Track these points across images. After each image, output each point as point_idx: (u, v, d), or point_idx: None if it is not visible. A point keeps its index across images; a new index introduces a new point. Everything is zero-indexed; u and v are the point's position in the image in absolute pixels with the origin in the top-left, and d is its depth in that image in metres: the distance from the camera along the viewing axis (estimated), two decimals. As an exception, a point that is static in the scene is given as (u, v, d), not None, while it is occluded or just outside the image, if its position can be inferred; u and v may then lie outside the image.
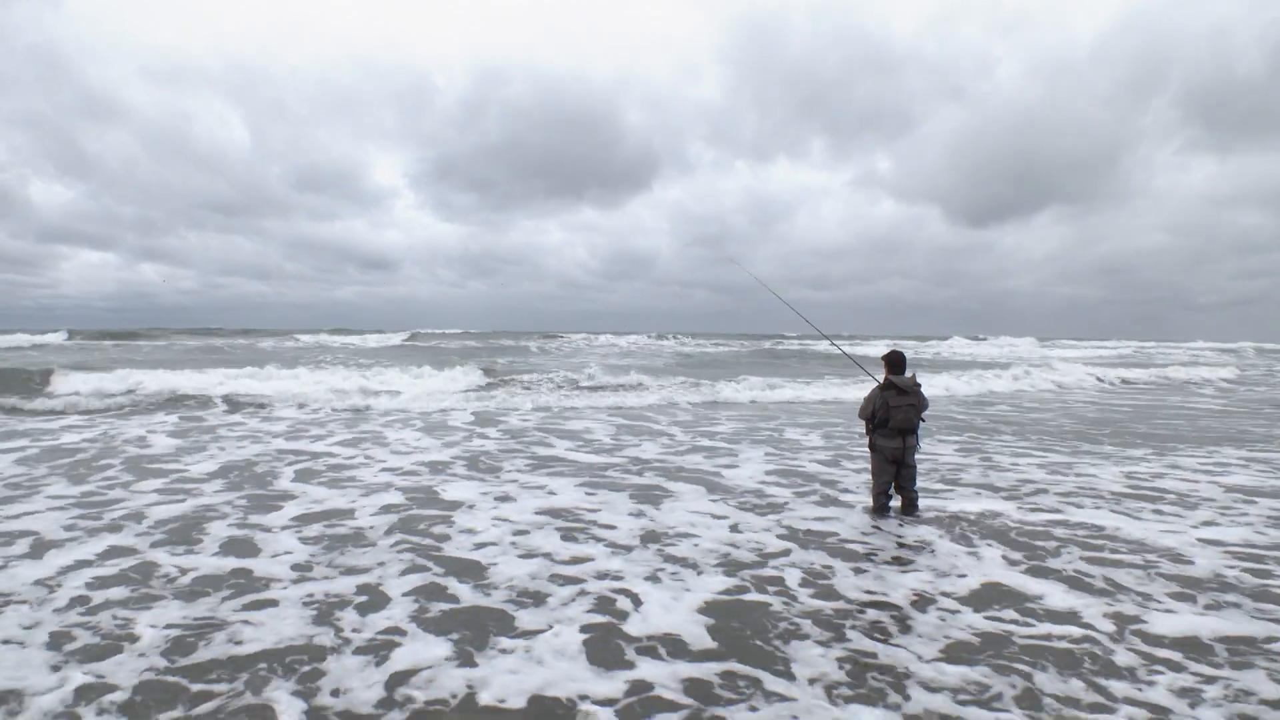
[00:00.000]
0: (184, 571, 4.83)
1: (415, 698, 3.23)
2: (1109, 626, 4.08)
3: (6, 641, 3.74)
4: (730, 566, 5.04)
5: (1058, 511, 6.65)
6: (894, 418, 6.20)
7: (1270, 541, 5.77)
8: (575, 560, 5.14)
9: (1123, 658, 3.71)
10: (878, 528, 6.04)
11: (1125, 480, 8.12)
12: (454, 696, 3.26)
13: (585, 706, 3.18)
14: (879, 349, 6.73)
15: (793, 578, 4.83)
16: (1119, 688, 3.41)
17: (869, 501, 6.69)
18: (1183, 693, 3.38)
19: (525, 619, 4.09)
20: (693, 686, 3.38)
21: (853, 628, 4.03)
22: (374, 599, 4.38)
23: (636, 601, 4.37)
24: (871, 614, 4.23)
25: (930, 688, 3.38)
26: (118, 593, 4.43)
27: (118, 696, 3.21)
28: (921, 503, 6.85)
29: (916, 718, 3.13)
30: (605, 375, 20.35)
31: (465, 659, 3.60)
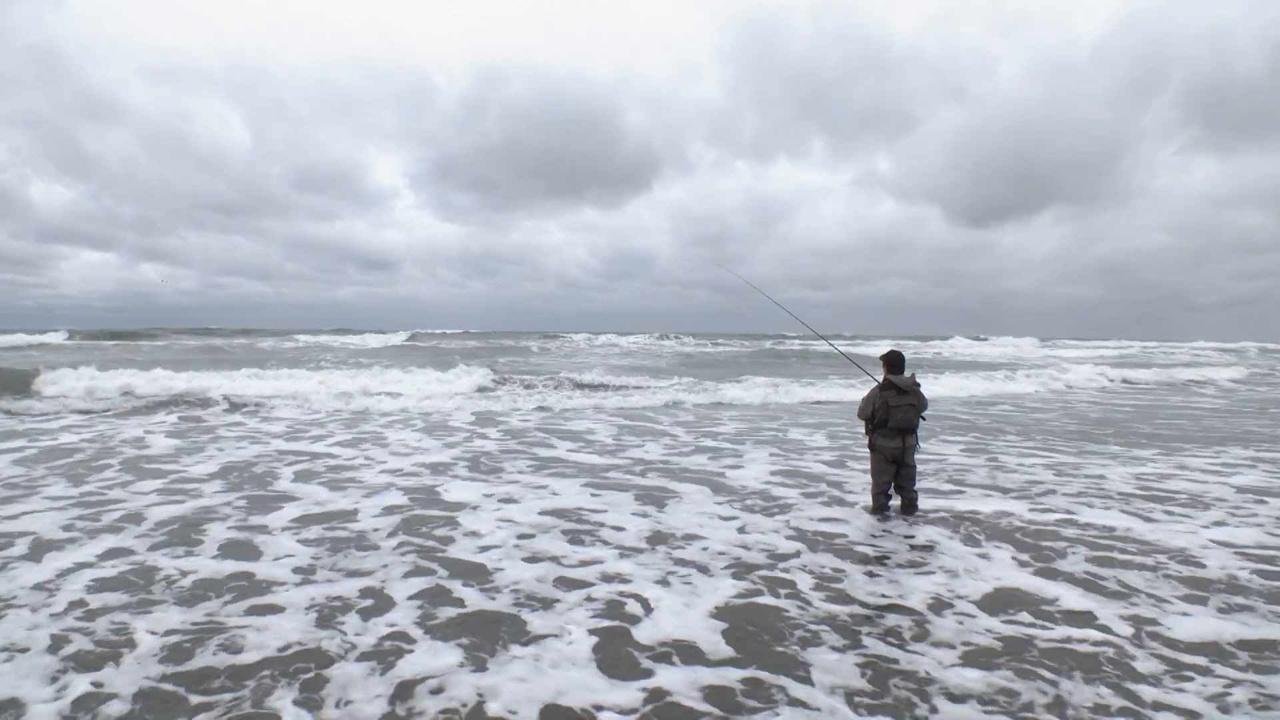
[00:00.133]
0: (184, 574, 4.73)
1: (423, 709, 3.13)
2: (1126, 630, 4.02)
3: (5, 648, 3.65)
4: (740, 569, 4.95)
5: (1068, 512, 6.58)
6: (893, 417, 6.17)
7: (1283, 543, 5.69)
8: (583, 563, 5.05)
9: (1146, 663, 3.64)
10: (887, 530, 5.96)
11: (1134, 481, 8.05)
12: (464, 706, 3.16)
13: (603, 717, 3.09)
14: (881, 349, 6.67)
15: (805, 581, 4.74)
16: (1147, 693, 3.34)
17: (869, 501, 6.63)
18: (1212, 698, 3.31)
19: (534, 624, 4.00)
20: (712, 694, 3.29)
21: (870, 633, 3.95)
22: (378, 603, 4.29)
23: (647, 606, 4.28)
24: (888, 618, 4.14)
25: (955, 696, 3.29)
26: (117, 597, 4.34)
27: (117, 707, 3.12)
28: (931, 504, 6.79)
29: (943, 728, 3.05)
30: (607, 375, 20.28)
31: (474, 666, 3.50)
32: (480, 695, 3.24)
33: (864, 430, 6.42)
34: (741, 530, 5.90)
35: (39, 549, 5.24)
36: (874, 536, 5.78)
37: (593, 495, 7.08)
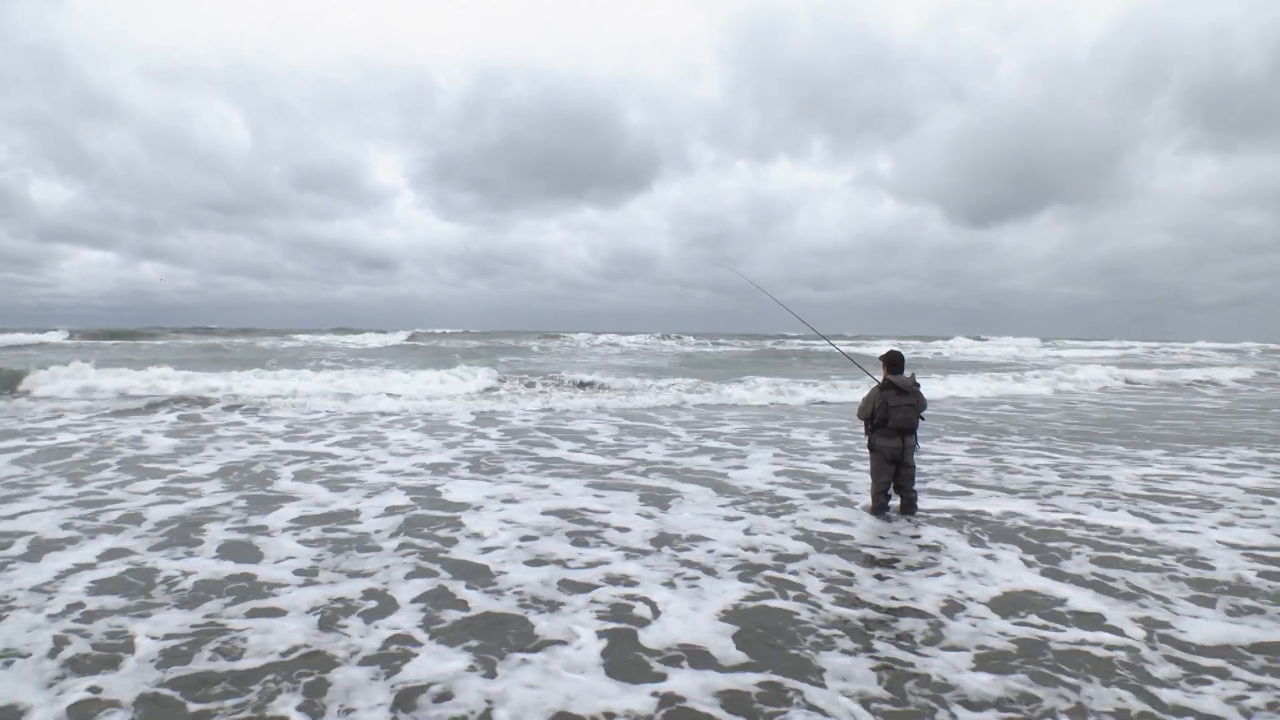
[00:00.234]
0: (184, 575, 4.67)
1: (430, 717, 3.06)
2: (1139, 632, 3.97)
3: (4, 652, 3.58)
4: (748, 571, 4.89)
5: (1075, 513, 6.53)
6: (893, 417, 6.14)
7: (1295, 544, 5.64)
8: (588, 565, 4.99)
9: (1162, 667, 3.60)
10: (894, 532, 5.91)
11: (1141, 481, 8.00)
12: (472, 714, 3.09)
13: (617, 724, 3.03)
14: (883, 350, 6.64)
15: (814, 584, 4.69)
16: (1167, 696, 3.30)
17: (869, 501, 6.59)
18: (1231, 701, 3.26)
19: (541, 627, 3.94)
20: (727, 700, 3.22)
21: (883, 637, 3.89)
22: (381, 605, 4.22)
23: (655, 609, 4.22)
24: (900, 622, 4.09)
25: (974, 703, 3.23)
26: (116, 599, 4.27)
27: (117, 714, 3.05)
28: (937, 504, 6.75)
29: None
30: (608, 375, 20.22)
31: (481, 671, 3.43)
32: (489, 702, 3.17)
33: (864, 430, 6.40)
34: (747, 532, 5.84)
35: (38, 549, 5.18)
36: (881, 538, 5.72)
37: (596, 496, 7.02)
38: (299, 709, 3.09)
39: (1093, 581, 4.76)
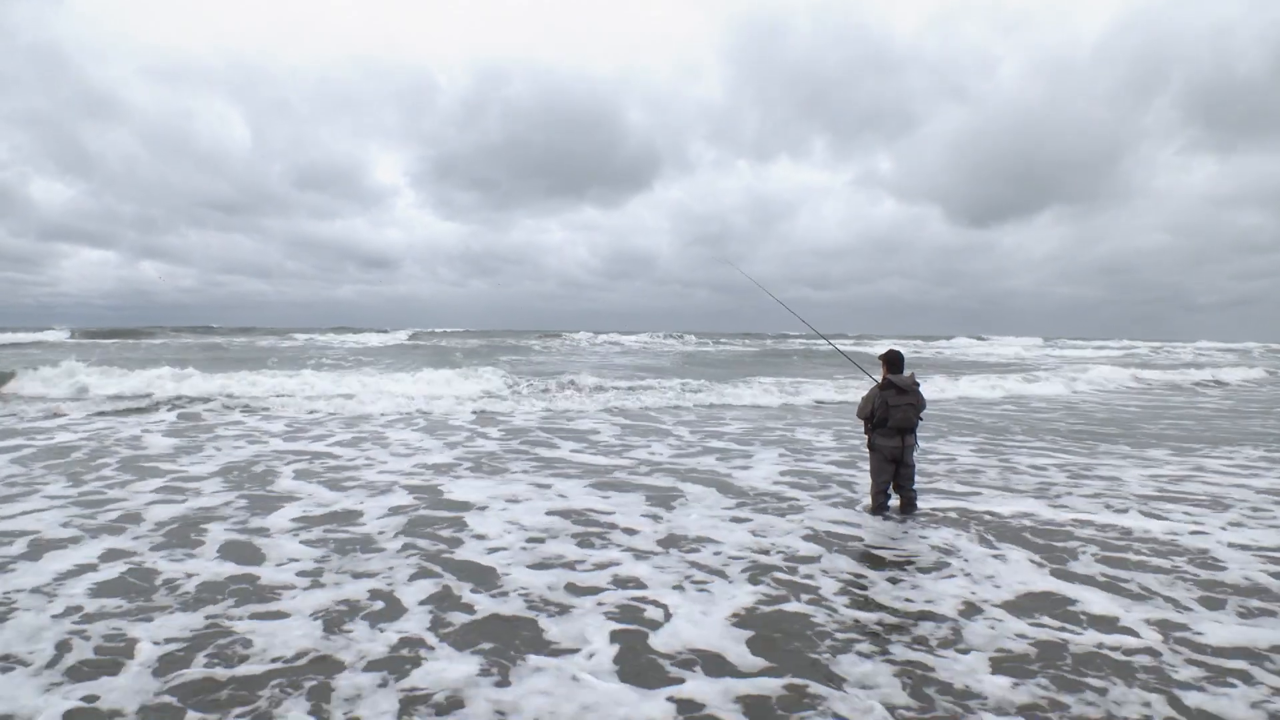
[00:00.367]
0: (186, 577, 4.59)
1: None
2: (1156, 634, 3.93)
3: (3, 656, 3.50)
4: (758, 573, 4.82)
5: (1085, 513, 6.47)
6: (893, 417, 6.12)
7: (1309, 546, 5.57)
8: (596, 567, 4.91)
9: (1184, 670, 3.54)
10: (904, 533, 5.84)
11: (1150, 482, 7.93)
12: (485, 724, 3.01)
13: (637, 733, 2.95)
14: (885, 350, 6.58)
15: (827, 586, 4.61)
16: (1193, 700, 3.24)
17: (868, 501, 6.55)
18: (1256, 704, 3.20)
19: (551, 632, 3.86)
20: (750, 708, 3.14)
21: (902, 641, 3.81)
22: (387, 609, 4.14)
23: (666, 612, 4.14)
24: (919, 626, 4.01)
25: (1002, 710, 3.15)
26: (117, 602, 4.19)
27: (117, 720, 2.98)
28: (946, 504, 6.69)
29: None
30: (610, 375, 20.14)
31: (492, 678, 3.35)
32: (501, 712, 3.08)
33: (863, 430, 6.39)
34: (755, 533, 5.76)
35: (38, 550, 5.10)
36: (891, 539, 5.65)
37: (601, 497, 6.94)
38: (304, 716, 3.01)
39: (1105, 583, 4.71)
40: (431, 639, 3.75)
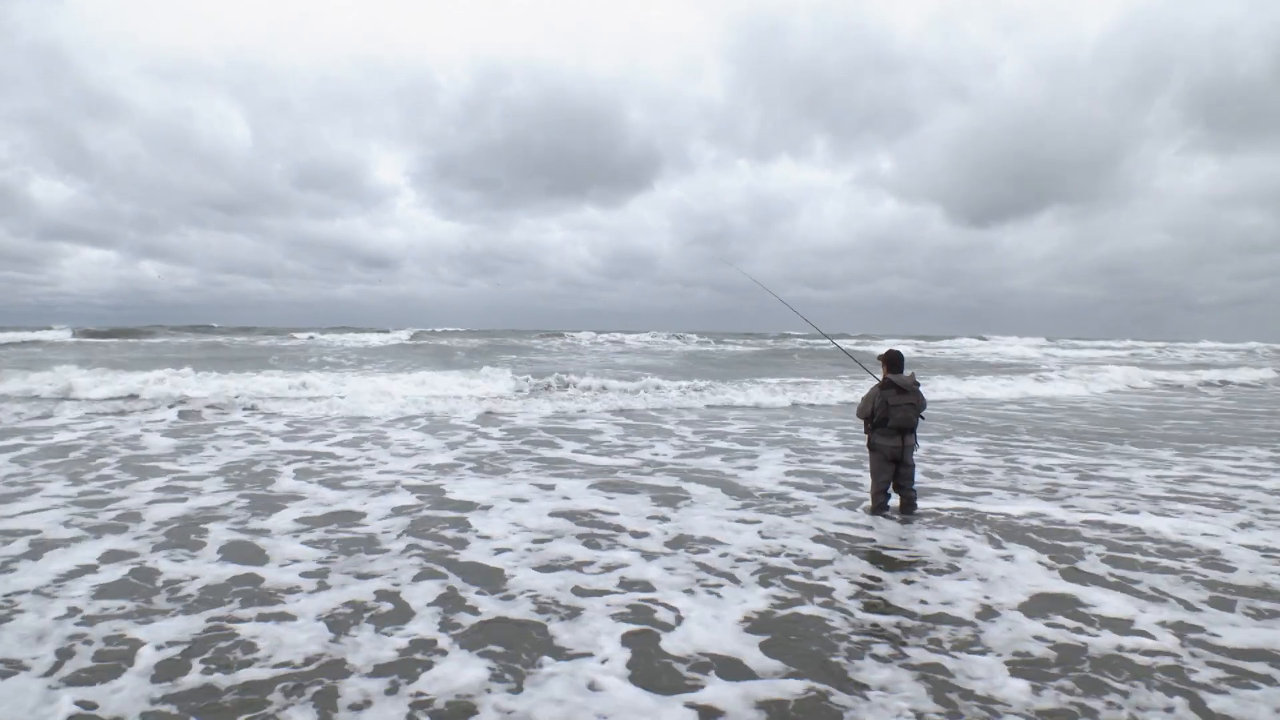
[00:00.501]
0: (188, 579, 4.52)
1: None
2: (1173, 637, 3.88)
3: (3, 660, 3.42)
4: (769, 575, 4.75)
5: (1094, 513, 6.42)
6: (893, 416, 6.10)
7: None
8: (604, 569, 4.84)
9: (1206, 671, 3.49)
10: (914, 534, 5.78)
11: (1159, 482, 7.87)
12: (499, 733, 2.93)
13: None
14: (885, 349, 6.54)
15: (839, 587, 4.55)
16: (1217, 704, 3.19)
17: (869, 501, 6.50)
18: (1280, 711, 3.13)
19: (562, 636, 3.78)
20: (772, 714, 3.07)
21: (921, 644, 3.75)
22: (393, 612, 4.07)
23: (678, 615, 4.06)
24: (936, 629, 3.95)
25: (1028, 716, 3.08)
26: (117, 604, 4.11)
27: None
28: (955, 505, 6.63)
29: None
30: (613, 375, 20.05)
31: (504, 684, 3.27)
32: None
33: (863, 429, 6.37)
34: (764, 534, 5.69)
35: (38, 550, 5.04)
36: (901, 540, 5.58)
37: (606, 498, 6.87)
38: (311, 721, 2.94)
39: (1117, 584, 4.67)
40: (440, 643, 3.67)
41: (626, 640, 3.73)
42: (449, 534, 5.60)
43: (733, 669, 3.45)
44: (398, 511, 6.24)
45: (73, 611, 3.99)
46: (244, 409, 13.15)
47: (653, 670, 3.43)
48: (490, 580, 4.60)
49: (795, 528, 5.89)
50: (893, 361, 6.24)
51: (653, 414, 13.80)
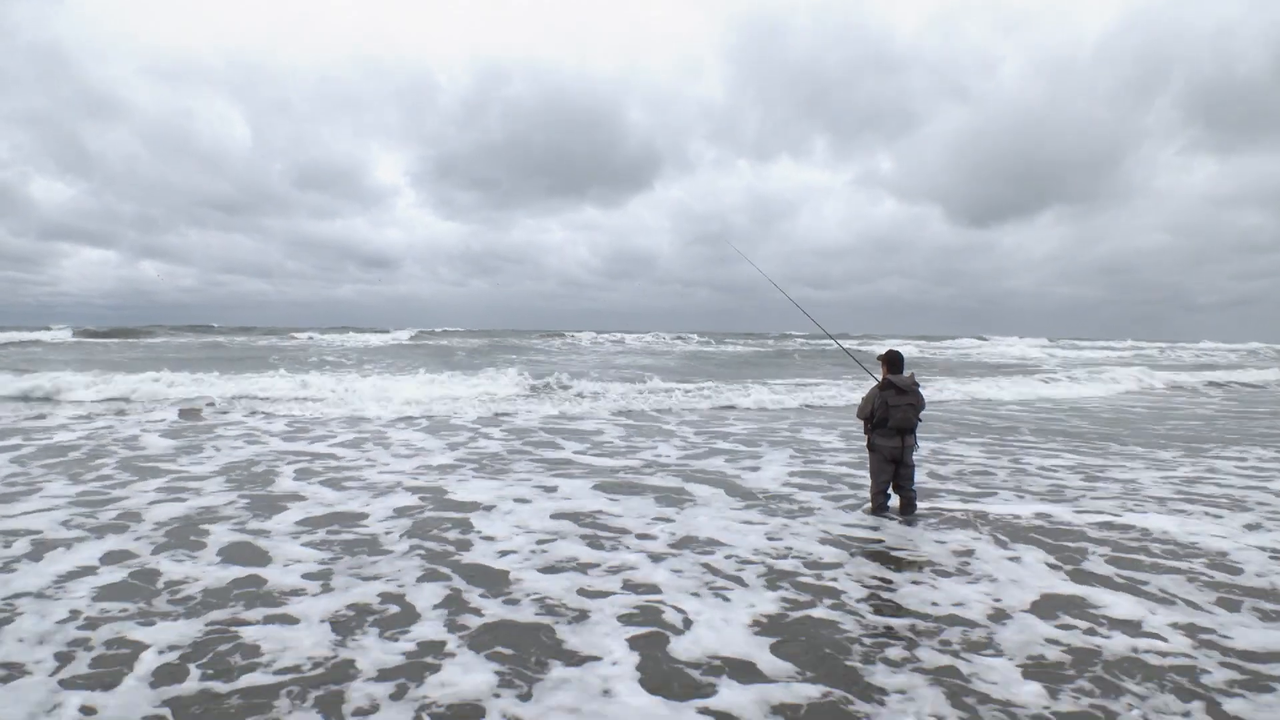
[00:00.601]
0: (189, 580, 4.47)
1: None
2: (1186, 639, 3.84)
3: (4, 664, 3.37)
4: (776, 577, 4.70)
5: (1101, 514, 6.37)
6: (893, 417, 6.09)
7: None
8: (609, 571, 4.79)
9: (1219, 674, 3.45)
10: (921, 535, 5.74)
11: (1165, 483, 7.83)
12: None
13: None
14: (885, 349, 6.51)
15: (848, 589, 4.50)
16: (1234, 706, 3.15)
17: (869, 502, 6.48)
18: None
19: (569, 640, 3.73)
20: (787, 718, 3.02)
21: (935, 648, 3.69)
22: (398, 614, 4.02)
23: (686, 618, 4.01)
24: (950, 631, 3.90)
25: None
26: (119, 606, 4.06)
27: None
28: (963, 507, 6.58)
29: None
30: (615, 375, 19.99)
31: (513, 689, 3.21)
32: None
33: (863, 430, 6.35)
34: (770, 536, 5.64)
35: (38, 551, 4.99)
36: (908, 541, 5.54)
37: (609, 499, 6.82)
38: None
39: (1126, 585, 4.63)
40: (446, 646, 3.62)
41: (635, 644, 3.68)
42: (452, 535, 5.56)
43: (745, 673, 3.40)
44: (400, 512, 6.19)
45: (74, 614, 3.94)
46: (244, 409, 13.10)
47: (664, 675, 3.37)
48: (495, 582, 4.56)
49: (801, 529, 5.84)
50: (892, 362, 6.23)
51: (654, 414, 13.76)
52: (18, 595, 4.20)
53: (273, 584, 4.45)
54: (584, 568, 4.84)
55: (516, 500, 6.67)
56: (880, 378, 6.24)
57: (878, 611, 4.17)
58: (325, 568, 4.76)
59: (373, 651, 3.54)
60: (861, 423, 6.44)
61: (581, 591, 4.40)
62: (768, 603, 4.25)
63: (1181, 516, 6.39)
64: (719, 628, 3.88)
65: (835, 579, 4.68)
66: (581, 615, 4.03)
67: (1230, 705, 3.16)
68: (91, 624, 3.81)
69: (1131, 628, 3.97)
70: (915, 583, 4.64)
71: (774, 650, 3.63)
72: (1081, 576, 4.78)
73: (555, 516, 6.13)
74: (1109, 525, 6.05)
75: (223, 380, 15.78)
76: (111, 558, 4.91)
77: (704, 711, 3.05)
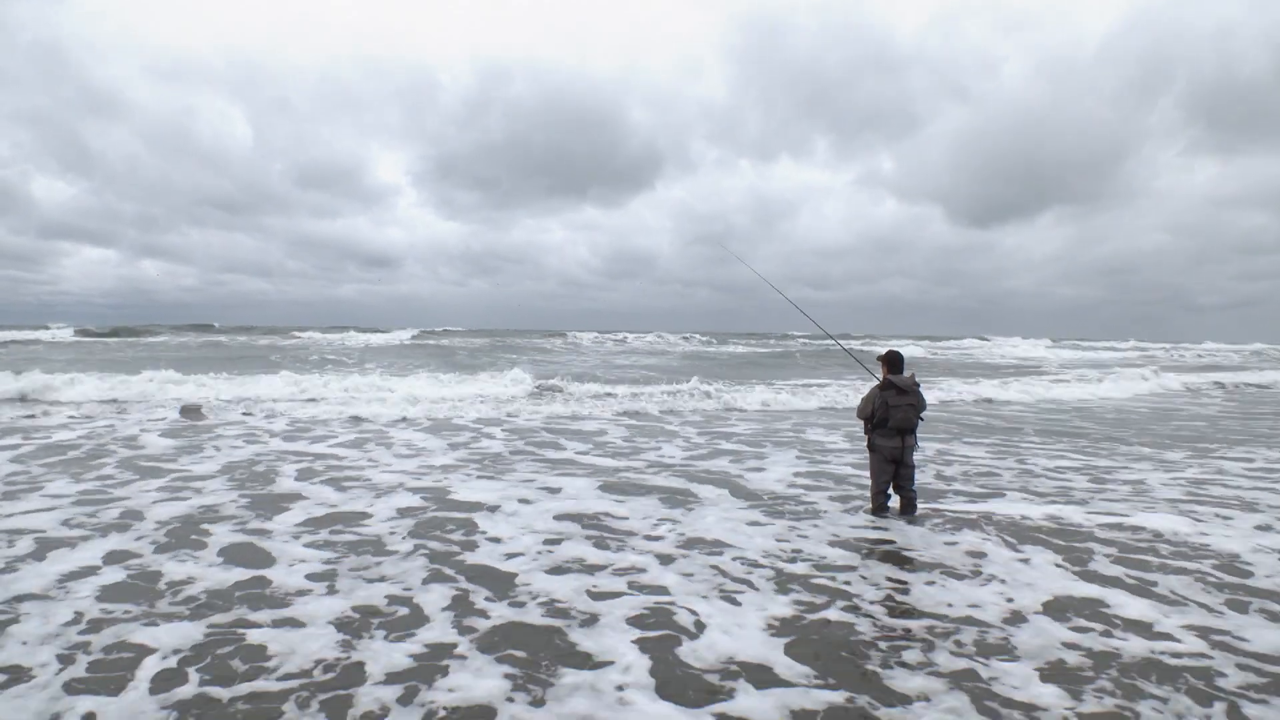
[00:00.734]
0: (191, 581, 4.42)
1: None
2: (1201, 641, 3.80)
3: (7, 668, 3.30)
4: (787, 579, 4.65)
5: (1110, 516, 6.32)
6: (893, 417, 6.07)
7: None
8: (617, 572, 4.73)
9: (1237, 677, 3.41)
10: (932, 536, 5.68)
11: (1173, 484, 7.78)
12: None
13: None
14: (885, 350, 6.48)
15: (861, 591, 4.45)
16: (1254, 711, 3.10)
17: (869, 502, 6.45)
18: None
19: (581, 643, 3.66)
20: None
21: (948, 650, 3.64)
22: (404, 617, 3.96)
23: (698, 621, 3.95)
24: (964, 633, 3.85)
25: None
26: (123, 608, 4.00)
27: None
28: (972, 508, 6.54)
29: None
30: (617, 375, 19.92)
31: (525, 694, 3.14)
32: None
33: (863, 430, 6.34)
34: (778, 538, 5.59)
35: (41, 551, 4.94)
36: (918, 543, 5.49)
37: (615, 500, 6.77)
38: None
39: (1138, 587, 4.60)
40: (456, 649, 3.56)
41: (647, 647, 3.62)
42: (456, 536, 5.50)
43: (762, 677, 3.33)
44: (403, 513, 6.13)
45: (77, 616, 3.88)
46: (244, 409, 13.03)
47: (678, 679, 3.31)
48: (502, 584, 4.50)
49: (809, 531, 5.79)
50: (893, 362, 6.21)
51: (657, 415, 13.70)
52: (21, 597, 4.14)
53: (277, 585, 4.40)
54: (591, 569, 4.79)
55: (520, 501, 6.61)
56: (881, 378, 6.21)
57: (892, 614, 4.11)
58: (330, 568, 4.71)
59: (381, 654, 3.48)
60: (861, 422, 6.41)
61: (590, 593, 4.34)
62: (780, 605, 4.19)
63: (1192, 517, 6.34)
64: (732, 631, 3.82)
65: (849, 582, 4.62)
66: (591, 618, 3.97)
67: (1250, 710, 3.11)
68: (95, 626, 3.76)
69: (1146, 630, 3.93)
70: (928, 584, 4.59)
71: (790, 654, 3.57)
72: (1093, 578, 4.74)
73: (560, 517, 6.08)
74: (1119, 526, 6.00)
75: (223, 380, 15.71)
76: (114, 557, 4.86)
77: (721, 717, 2.99)
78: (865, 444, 6.30)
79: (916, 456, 6.55)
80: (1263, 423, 14.29)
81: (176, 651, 3.48)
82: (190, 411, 12.24)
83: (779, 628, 3.88)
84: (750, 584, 4.55)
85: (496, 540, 5.40)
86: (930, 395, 17.27)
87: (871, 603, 4.27)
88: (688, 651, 3.58)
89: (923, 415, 6.29)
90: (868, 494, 7.07)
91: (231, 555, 4.96)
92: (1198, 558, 5.20)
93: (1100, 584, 4.62)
